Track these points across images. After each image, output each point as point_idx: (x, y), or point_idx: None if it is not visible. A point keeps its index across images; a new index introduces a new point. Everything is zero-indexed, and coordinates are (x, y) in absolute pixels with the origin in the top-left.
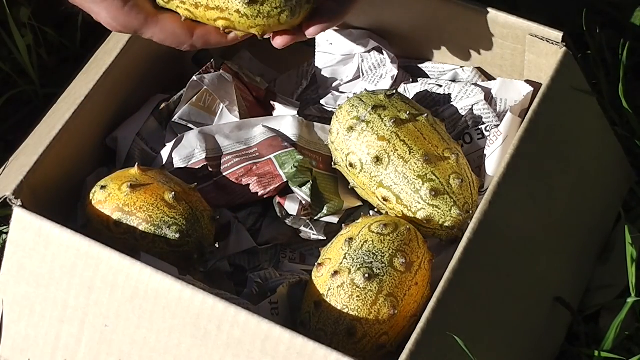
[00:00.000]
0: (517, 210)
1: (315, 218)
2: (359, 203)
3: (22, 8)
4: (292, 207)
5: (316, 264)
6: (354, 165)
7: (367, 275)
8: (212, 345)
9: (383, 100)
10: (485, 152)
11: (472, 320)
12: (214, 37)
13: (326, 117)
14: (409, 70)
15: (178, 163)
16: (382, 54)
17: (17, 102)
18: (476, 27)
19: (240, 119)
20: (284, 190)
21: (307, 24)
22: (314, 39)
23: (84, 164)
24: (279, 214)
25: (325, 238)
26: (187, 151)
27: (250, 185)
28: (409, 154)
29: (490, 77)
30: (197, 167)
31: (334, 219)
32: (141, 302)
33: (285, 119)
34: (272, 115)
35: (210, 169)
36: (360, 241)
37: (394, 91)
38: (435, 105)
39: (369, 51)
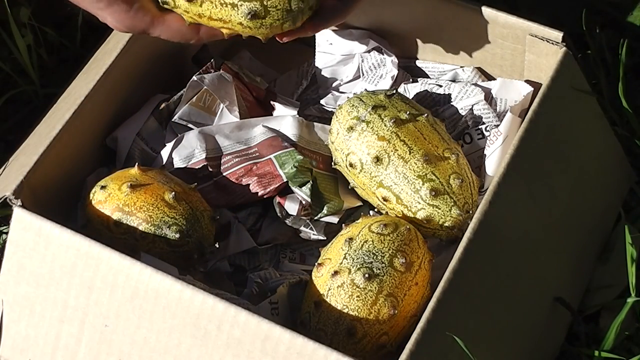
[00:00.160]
0: (517, 210)
1: (315, 218)
2: (359, 203)
3: (22, 8)
4: (292, 207)
5: (316, 264)
6: (354, 165)
7: (367, 275)
8: (212, 345)
9: (383, 100)
10: (485, 152)
11: (472, 320)
12: (219, 33)
13: (326, 117)
14: (409, 70)
15: (178, 163)
16: (382, 54)
17: (17, 102)
18: (476, 27)
19: (240, 119)
20: (284, 190)
21: (310, 24)
22: (314, 39)
23: (84, 164)
24: (279, 214)
25: (325, 238)
26: (187, 151)
27: (250, 185)
28: (409, 154)
29: (490, 77)
30: (197, 167)
31: (334, 219)
32: (141, 302)
33: (285, 119)
34: (272, 115)
35: (210, 169)
36: (360, 241)
37: (394, 91)
38: (435, 105)
39: (369, 51)
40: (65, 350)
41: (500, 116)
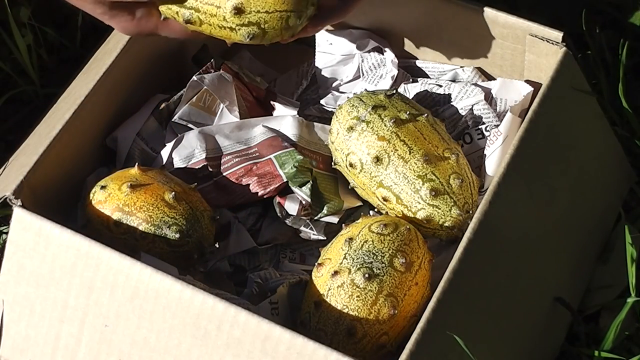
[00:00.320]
0: (517, 210)
1: (315, 218)
2: (359, 203)
3: (22, 8)
4: (292, 207)
5: (316, 264)
6: (354, 165)
7: (367, 275)
8: (212, 345)
9: (383, 100)
10: (485, 152)
11: (472, 320)
12: None
13: (326, 117)
14: (409, 70)
15: (178, 163)
16: (382, 54)
17: (17, 102)
18: (476, 27)
19: (240, 119)
20: (284, 190)
21: (310, 24)
22: (314, 39)
23: (84, 164)
24: (279, 214)
25: (325, 238)
26: (187, 151)
27: (250, 185)
28: (409, 154)
29: (490, 77)
30: (197, 167)
31: (334, 219)
32: (141, 302)
33: (285, 119)
34: (272, 115)
35: (210, 169)
36: (360, 241)
37: (394, 91)
38: (435, 105)
39: (369, 51)
40: (65, 350)
41: (500, 116)
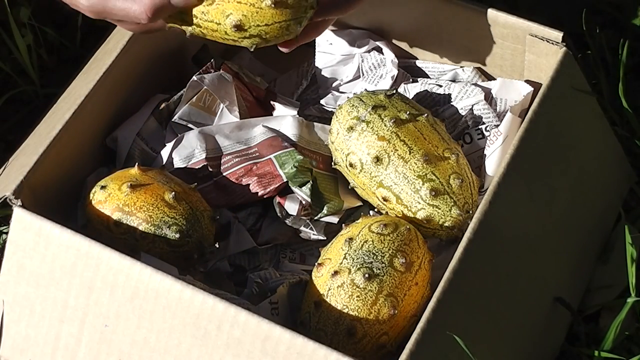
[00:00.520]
0: (517, 210)
1: (315, 218)
2: (359, 203)
3: (22, 8)
4: (292, 207)
5: (316, 264)
6: (354, 165)
7: (367, 275)
8: (212, 345)
9: (383, 100)
10: (485, 152)
11: (472, 320)
12: None
13: (326, 117)
14: (409, 70)
15: (178, 163)
16: (382, 54)
17: (17, 102)
18: (476, 27)
19: (240, 119)
20: (284, 190)
21: (310, 24)
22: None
23: (84, 164)
24: (279, 214)
25: (325, 238)
26: (187, 151)
27: (250, 185)
28: (409, 154)
29: (490, 77)
30: (197, 167)
31: (334, 219)
32: (141, 302)
33: (285, 119)
34: (272, 115)
35: (210, 169)
36: (360, 241)
37: (394, 91)
38: (435, 105)
39: (369, 51)
40: (65, 350)
41: (500, 116)
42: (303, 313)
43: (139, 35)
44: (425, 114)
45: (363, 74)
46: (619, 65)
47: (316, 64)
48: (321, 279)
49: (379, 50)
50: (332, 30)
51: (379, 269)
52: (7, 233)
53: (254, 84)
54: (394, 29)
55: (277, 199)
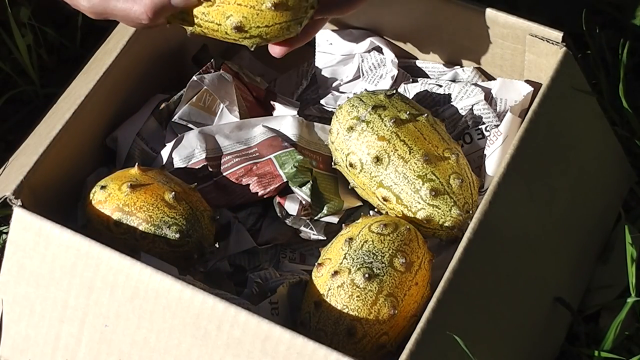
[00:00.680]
0: (517, 210)
1: (315, 218)
2: (359, 203)
3: (22, 8)
4: (292, 207)
5: (316, 264)
6: (354, 165)
7: (367, 275)
8: (212, 345)
9: (383, 100)
10: (485, 152)
11: (472, 320)
12: None
13: (326, 117)
14: (409, 70)
15: (178, 163)
16: (382, 54)
17: (17, 102)
18: (476, 27)
19: (240, 119)
20: (284, 190)
21: (311, 23)
22: (314, 39)
23: (84, 164)
24: (279, 214)
25: (325, 238)
26: (187, 151)
27: (250, 185)
28: (409, 154)
29: (490, 77)
30: (197, 167)
31: (334, 219)
32: (141, 302)
33: (285, 119)
34: (272, 115)
35: (210, 169)
36: (360, 241)
37: (394, 91)
38: (435, 105)
39: (369, 51)
40: (65, 350)
41: (500, 116)
42: (303, 313)
43: (139, 35)
44: (425, 114)
45: (363, 74)
46: (619, 65)
47: (316, 64)
48: (321, 279)
49: (379, 50)
50: (332, 30)
51: (379, 269)
52: (7, 233)
53: (254, 84)
54: (394, 29)
55: (277, 199)
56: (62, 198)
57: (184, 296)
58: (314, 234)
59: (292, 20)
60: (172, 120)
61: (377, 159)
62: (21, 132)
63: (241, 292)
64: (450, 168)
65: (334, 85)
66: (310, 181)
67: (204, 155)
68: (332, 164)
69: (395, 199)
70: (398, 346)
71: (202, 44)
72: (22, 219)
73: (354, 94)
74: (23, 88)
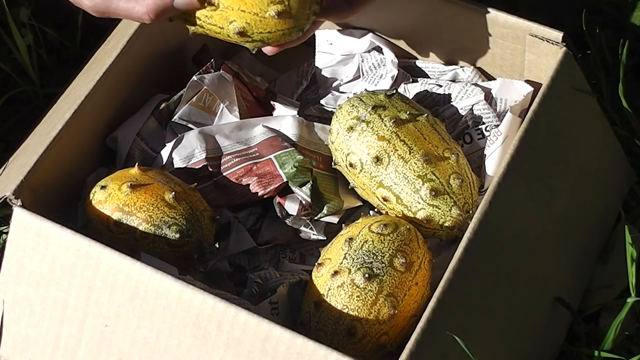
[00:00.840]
0: (517, 210)
1: (315, 218)
2: (359, 203)
3: (22, 8)
4: (292, 207)
5: (316, 264)
6: (354, 165)
7: (367, 275)
8: (212, 345)
9: (383, 100)
10: (485, 152)
11: (472, 320)
12: None
13: (326, 117)
14: (409, 70)
15: (178, 163)
16: (382, 54)
17: (17, 102)
18: (476, 27)
19: (240, 119)
20: (284, 190)
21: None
22: (314, 39)
23: (84, 164)
24: (279, 214)
25: (325, 238)
26: (187, 151)
27: (250, 185)
28: (409, 154)
29: (490, 77)
30: (197, 167)
31: (334, 219)
32: (141, 302)
33: (285, 119)
34: (272, 115)
35: (210, 169)
36: (360, 241)
37: (394, 91)
38: (435, 105)
39: (369, 51)
40: (65, 350)
41: (500, 116)
42: (303, 313)
43: (139, 35)
44: (425, 114)
45: (363, 74)
46: (619, 65)
47: (316, 64)
48: (321, 279)
49: (379, 50)
50: (332, 30)
51: (379, 269)
52: (7, 233)
53: (254, 84)
54: (394, 29)
55: (277, 199)
56: (62, 198)
57: (184, 296)
58: (314, 234)
59: (294, 27)
60: (172, 120)
61: (377, 159)
62: (21, 132)
63: (241, 292)
64: (450, 168)
65: (334, 85)
66: (310, 181)
67: (204, 155)
68: (332, 164)
69: (395, 199)
70: (398, 346)
71: (202, 44)
72: (22, 219)
73: (354, 94)
74: (23, 88)
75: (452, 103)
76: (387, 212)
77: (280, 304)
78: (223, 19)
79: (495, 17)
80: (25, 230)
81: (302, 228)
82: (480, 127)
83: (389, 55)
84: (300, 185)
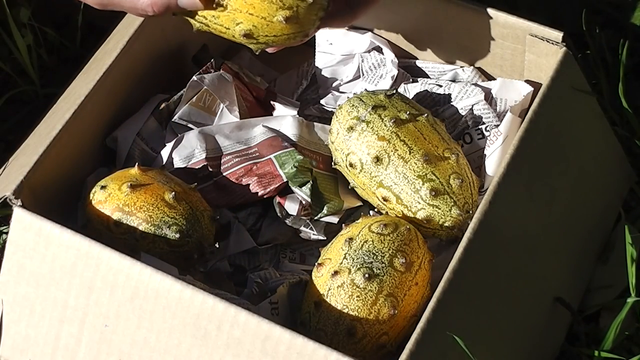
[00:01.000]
0: (517, 210)
1: (315, 218)
2: (359, 203)
3: (22, 8)
4: (292, 207)
5: (316, 264)
6: (354, 165)
7: (367, 275)
8: (212, 345)
9: (383, 100)
10: (485, 152)
11: (472, 320)
12: None
13: (326, 117)
14: (409, 70)
15: (178, 163)
16: (382, 54)
17: (17, 102)
18: (476, 27)
19: (240, 119)
20: (284, 190)
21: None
22: (314, 38)
23: (84, 164)
24: (279, 214)
25: (325, 238)
26: (187, 151)
27: (250, 185)
28: (409, 154)
29: (490, 77)
30: (197, 167)
31: (334, 219)
32: (141, 302)
33: (285, 119)
34: (272, 115)
35: (210, 169)
36: (360, 241)
37: (394, 91)
38: (435, 105)
39: (369, 51)
40: (65, 350)
41: (500, 116)
42: (303, 313)
43: (139, 35)
44: (425, 114)
45: (363, 74)
46: (619, 65)
47: (316, 64)
48: (321, 279)
49: (379, 50)
50: (332, 30)
51: (379, 269)
52: (7, 233)
53: (254, 84)
54: (394, 29)
55: (277, 199)
56: (62, 198)
57: (184, 296)
58: (314, 234)
59: (299, 32)
60: (172, 120)
61: (377, 159)
62: (21, 132)
63: (241, 292)
64: (450, 168)
65: (334, 85)
66: (310, 181)
67: (204, 155)
68: (332, 164)
69: (395, 199)
70: (398, 346)
71: (202, 44)
72: (22, 219)
73: (354, 94)
74: (23, 88)
75: (452, 103)
76: (387, 212)
77: (280, 304)
78: (230, 20)
79: (495, 17)
80: (25, 230)
81: (302, 228)
82: (480, 127)
83: (389, 55)
84: (300, 185)
